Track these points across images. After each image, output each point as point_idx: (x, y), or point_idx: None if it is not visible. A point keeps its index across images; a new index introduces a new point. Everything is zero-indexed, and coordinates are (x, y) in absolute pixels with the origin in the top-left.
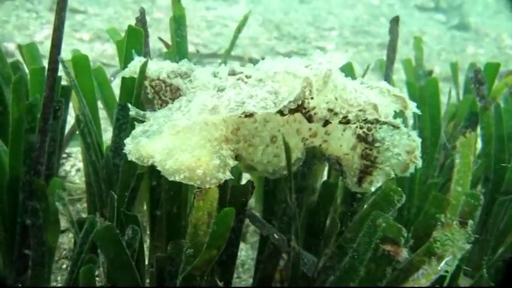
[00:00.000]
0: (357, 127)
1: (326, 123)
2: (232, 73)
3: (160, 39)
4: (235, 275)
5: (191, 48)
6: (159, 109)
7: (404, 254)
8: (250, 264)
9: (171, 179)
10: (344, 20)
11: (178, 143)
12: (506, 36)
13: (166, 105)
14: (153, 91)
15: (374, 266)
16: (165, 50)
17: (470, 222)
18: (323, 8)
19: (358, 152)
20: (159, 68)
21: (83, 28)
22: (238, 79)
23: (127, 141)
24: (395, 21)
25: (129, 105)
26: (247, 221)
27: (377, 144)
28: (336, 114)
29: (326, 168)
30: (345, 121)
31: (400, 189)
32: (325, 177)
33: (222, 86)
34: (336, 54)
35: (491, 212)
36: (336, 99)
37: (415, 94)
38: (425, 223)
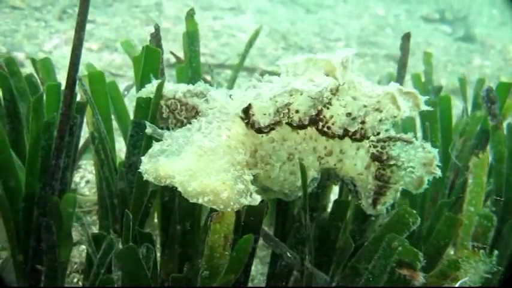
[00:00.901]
0: (370, 146)
1: (345, 133)
2: (259, 80)
3: (172, 53)
4: None
5: (201, 60)
6: (173, 128)
7: (421, 278)
8: (259, 279)
9: (193, 201)
10: (350, 31)
11: (203, 165)
12: (511, 48)
13: (181, 125)
14: (168, 110)
15: None
16: (173, 60)
17: (496, 252)
18: (329, 19)
19: (372, 172)
20: (175, 87)
21: (91, 38)
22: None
23: (144, 160)
24: (406, 38)
25: (147, 123)
26: None
27: (392, 162)
28: (354, 118)
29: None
30: (360, 136)
31: (414, 211)
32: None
33: (254, 85)
34: (344, 50)
35: (501, 232)
36: (354, 98)
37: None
38: (438, 243)
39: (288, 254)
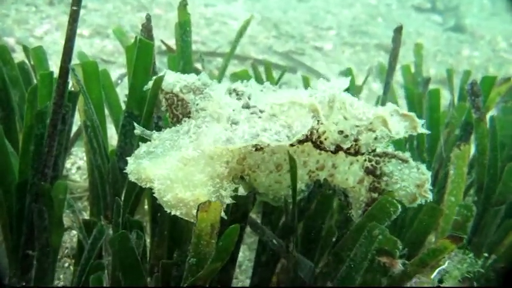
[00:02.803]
0: (365, 160)
1: (337, 148)
2: (247, 106)
3: (162, 42)
4: None
5: (193, 48)
6: (171, 122)
7: (399, 266)
8: (247, 265)
9: (167, 210)
10: (342, 20)
11: (181, 176)
12: (500, 38)
13: (177, 119)
14: (166, 104)
15: (370, 276)
16: (163, 47)
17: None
18: (321, 7)
19: (366, 185)
20: (175, 80)
21: (82, 24)
22: (252, 113)
23: (129, 160)
24: (398, 31)
25: (136, 124)
26: None
27: (385, 178)
28: (346, 136)
29: None
30: (354, 152)
31: (395, 201)
32: None
33: (235, 119)
34: (338, 81)
35: (483, 218)
36: (345, 118)
37: (413, 100)
38: (419, 232)
39: (274, 241)
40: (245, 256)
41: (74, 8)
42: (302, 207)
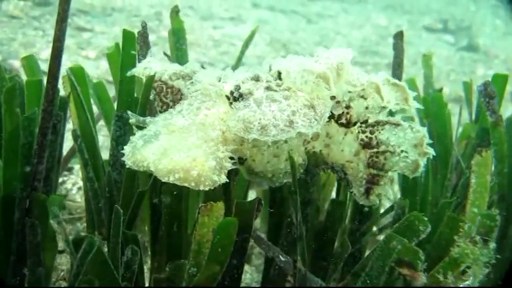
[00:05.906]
0: (359, 132)
1: (330, 115)
2: (256, 79)
3: (165, 54)
4: None
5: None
6: (160, 111)
7: (422, 278)
8: None
9: (165, 179)
10: (352, 41)
11: (174, 142)
12: None
13: (167, 107)
14: (154, 92)
15: None
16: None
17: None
18: (331, 29)
19: (363, 160)
20: (162, 69)
21: (89, 46)
22: (268, 87)
23: (126, 147)
24: (399, 36)
25: (129, 113)
26: (252, 242)
27: (382, 147)
28: (338, 102)
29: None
30: (346, 121)
31: (425, 218)
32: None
33: (248, 89)
34: (340, 50)
35: (507, 233)
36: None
37: (429, 110)
38: (440, 244)
39: (281, 257)
40: (253, 278)
41: (63, 7)
42: (302, 197)
